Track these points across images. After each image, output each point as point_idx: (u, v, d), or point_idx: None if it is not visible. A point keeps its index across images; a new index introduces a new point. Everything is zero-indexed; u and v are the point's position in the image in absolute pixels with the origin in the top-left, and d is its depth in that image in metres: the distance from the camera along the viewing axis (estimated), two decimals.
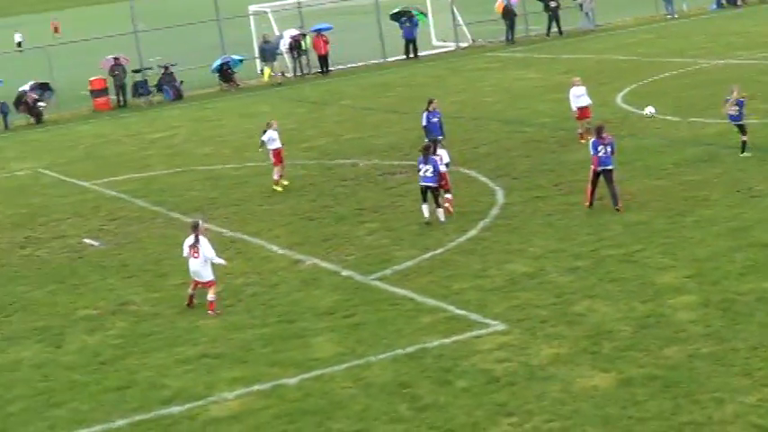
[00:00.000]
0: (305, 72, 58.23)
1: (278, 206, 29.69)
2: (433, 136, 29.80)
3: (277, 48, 57.90)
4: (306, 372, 18.06)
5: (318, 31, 57.66)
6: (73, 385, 18.79)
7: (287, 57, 58.87)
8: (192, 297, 22.03)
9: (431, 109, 31.43)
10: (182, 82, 56.04)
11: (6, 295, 24.62)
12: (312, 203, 29.50)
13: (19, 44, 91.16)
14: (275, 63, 57.54)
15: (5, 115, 53.30)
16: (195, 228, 21.88)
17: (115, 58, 56.08)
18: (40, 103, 53.63)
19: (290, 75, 58.44)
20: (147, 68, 57.21)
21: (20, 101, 53.62)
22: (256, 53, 59.63)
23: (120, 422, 17.03)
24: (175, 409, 17.21)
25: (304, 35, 58.00)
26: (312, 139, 38.99)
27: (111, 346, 20.54)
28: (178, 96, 55.36)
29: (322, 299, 21.73)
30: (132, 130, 47.43)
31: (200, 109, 51.18)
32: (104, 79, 56.03)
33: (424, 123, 31.34)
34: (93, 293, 23.97)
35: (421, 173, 25.79)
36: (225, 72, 56.85)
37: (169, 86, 55.62)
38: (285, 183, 31.60)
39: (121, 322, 21.81)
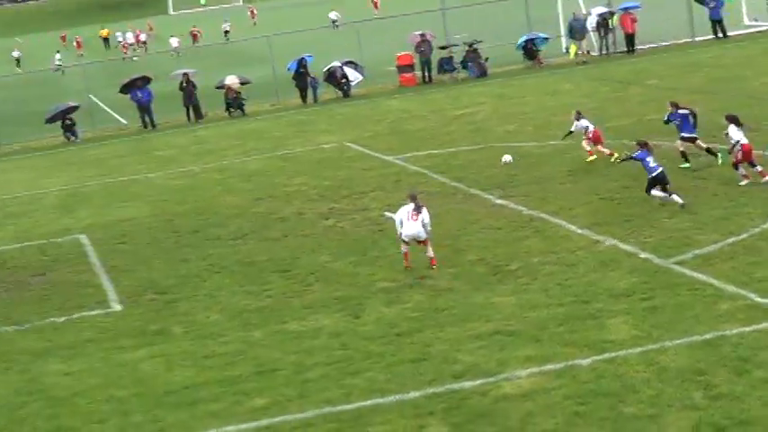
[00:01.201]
0: (610, 51, 57.46)
1: (579, 185, 29.45)
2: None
3: (585, 25, 57.34)
4: (599, 353, 17.86)
5: (626, 9, 56.74)
6: (369, 355, 19.20)
7: (593, 35, 58.23)
8: (407, 254, 24.16)
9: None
10: (486, 59, 56.26)
11: (309, 264, 25.38)
12: (614, 183, 29.09)
13: (334, 22, 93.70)
14: (582, 41, 57.03)
15: (315, 89, 54.96)
16: (414, 198, 24.32)
17: (421, 35, 56.82)
18: (351, 80, 54.96)
19: (595, 53, 57.80)
20: (452, 45, 57.73)
21: (330, 75, 55.16)
22: (562, 31, 59.24)
23: (414, 394, 17.28)
24: (467, 384, 17.34)
25: (612, 13, 57.22)
26: (615, 119, 38.43)
27: (407, 318, 20.88)
28: (482, 73, 55.59)
29: (619, 280, 21.43)
30: (436, 106, 47.99)
31: (504, 86, 51.27)
32: (411, 55, 56.89)
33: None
34: (391, 266, 24.41)
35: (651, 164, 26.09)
36: (529, 49, 56.76)
37: (474, 63, 55.92)
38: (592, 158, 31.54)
39: (418, 295, 22.13)
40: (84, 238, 30.86)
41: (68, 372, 20.24)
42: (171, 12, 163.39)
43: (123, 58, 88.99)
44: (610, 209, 26.76)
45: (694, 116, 29.39)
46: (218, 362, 19.77)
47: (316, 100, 54.77)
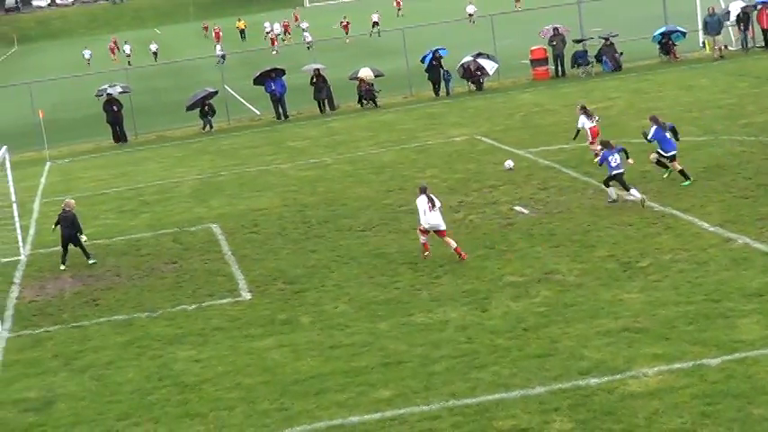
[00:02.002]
0: (749, 46, 56.36)
1: (712, 182, 28.98)
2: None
3: (721, 21, 56.32)
4: (729, 353, 17.57)
5: (765, 3, 55.59)
6: (495, 349, 19.15)
7: (731, 30, 57.17)
8: (426, 244, 25.33)
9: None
10: (621, 53, 55.63)
11: (438, 257, 25.36)
12: (748, 181, 28.58)
13: (470, 15, 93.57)
14: (718, 37, 56.02)
15: (447, 82, 54.95)
16: (424, 190, 25.27)
17: (555, 28, 56.42)
18: (488, 69, 54.82)
19: (733, 48, 56.75)
20: (587, 39, 57.23)
21: (465, 70, 55.09)
22: (699, 25, 58.31)
23: (540, 389, 17.20)
24: (593, 381, 17.20)
25: (754, 7, 56.09)
26: (752, 116, 37.70)
27: (534, 313, 20.78)
28: (617, 67, 55.00)
29: (751, 280, 21.03)
30: (568, 100, 47.57)
31: (639, 81, 50.63)
32: (544, 49, 56.54)
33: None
34: (520, 261, 24.32)
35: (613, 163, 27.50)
36: (665, 44, 55.97)
37: (609, 57, 55.35)
38: None
39: (546, 291, 22.00)
40: (216, 228, 31.33)
41: (198, 359, 20.57)
42: (306, 4, 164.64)
43: (275, 52, 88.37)
44: (743, 207, 26.28)
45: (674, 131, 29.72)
46: (344, 352, 19.91)
47: (448, 93, 54.75)
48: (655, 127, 29.28)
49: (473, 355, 19.02)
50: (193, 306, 24.05)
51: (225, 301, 24.17)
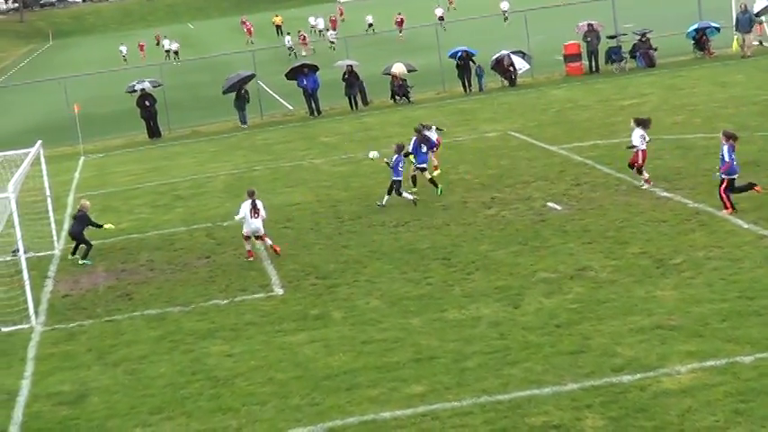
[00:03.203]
0: None
1: (746, 179, 28.71)
2: None
3: (752, 18, 55.96)
4: (762, 351, 17.45)
5: None
6: (528, 345, 19.11)
7: (767, 26, 56.81)
8: (251, 251, 27.09)
9: None
10: (655, 49, 55.40)
11: (470, 253, 25.37)
12: None
13: (504, 12, 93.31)
14: (749, 35, 55.65)
15: (480, 77, 54.89)
16: (252, 194, 27.04)
17: (589, 24, 56.27)
18: (518, 68, 54.74)
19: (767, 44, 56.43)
20: (621, 35, 57.03)
21: (497, 63, 55.03)
22: (733, 22, 57.96)
23: (572, 386, 17.14)
24: (626, 378, 17.13)
25: None
26: None
27: (567, 309, 20.71)
28: (651, 63, 54.78)
29: None
30: (602, 95, 47.47)
31: (673, 77, 50.42)
32: (578, 44, 56.39)
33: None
34: (553, 257, 24.25)
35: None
36: (700, 39, 55.70)
37: (643, 53, 55.13)
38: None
39: (579, 287, 21.93)
40: None
41: (230, 353, 20.62)
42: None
43: (304, 53, 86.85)
44: None
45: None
46: (376, 348, 19.91)
47: (481, 89, 54.69)
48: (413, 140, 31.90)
49: (505, 351, 18.98)
50: (226, 301, 24.11)
51: (257, 296, 24.23)
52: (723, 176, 26.05)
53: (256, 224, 26.94)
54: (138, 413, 18.31)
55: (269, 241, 27.10)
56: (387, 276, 24.37)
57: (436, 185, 31.61)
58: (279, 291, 24.40)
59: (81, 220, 29.37)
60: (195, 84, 75.36)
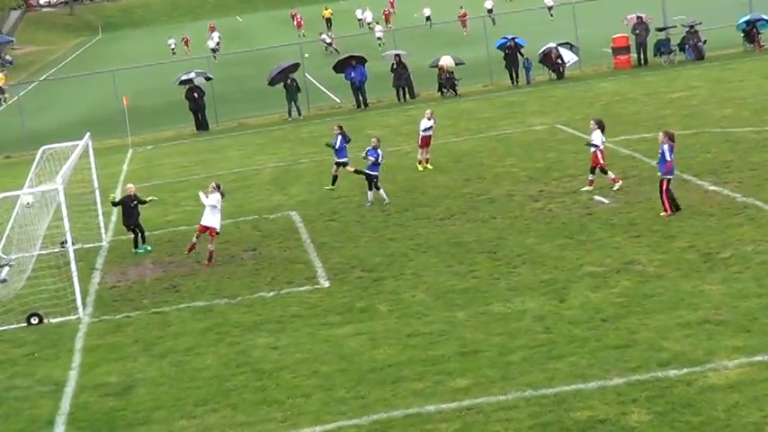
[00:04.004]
0: None
1: None
2: None
3: None
4: None
5: None
6: (573, 339, 19.02)
7: None
8: (195, 244, 27.58)
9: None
10: (705, 41, 55.00)
11: (516, 246, 25.30)
12: None
13: (549, 8, 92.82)
14: None
15: (528, 70, 54.72)
16: (218, 188, 27.26)
17: (638, 17, 55.96)
18: (566, 61, 54.52)
19: None
20: (670, 27, 56.66)
21: (545, 56, 54.86)
22: None
23: (618, 380, 17.05)
24: (672, 373, 17.02)
25: None
26: None
27: (613, 303, 20.61)
28: (700, 56, 54.40)
29: None
30: (650, 88, 47.18)
31: (722, 69, 50.06)
32: (627, 37, 56.07)
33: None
34: (599, 250, 24.14)
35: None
36: (750, 32, 55.22)
37: (692, 46, 54.76)
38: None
39: (625, 281, 21.81)
40: (295, 215, 31.47)
41: (275, 346, 20.67)
42: None
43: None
44: None
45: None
46: (421, 341, 19.89)
47: (528, 81, 54.51)
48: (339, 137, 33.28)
49: (550, 345, 18.91)
50: (272, 293, 24.17)
51: (303, 288, 24.27)
52: (664, 177, 25.92)
53: (216, 221, 27.25)
54: (183, 405, 18.39)
55: (211, 247, 27.21)
56: (432, 269, 24.35)
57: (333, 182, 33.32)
58: (325, 283, 24.44)
59: (135, 205, 29.56)
60: (242, 77, 75.58)
